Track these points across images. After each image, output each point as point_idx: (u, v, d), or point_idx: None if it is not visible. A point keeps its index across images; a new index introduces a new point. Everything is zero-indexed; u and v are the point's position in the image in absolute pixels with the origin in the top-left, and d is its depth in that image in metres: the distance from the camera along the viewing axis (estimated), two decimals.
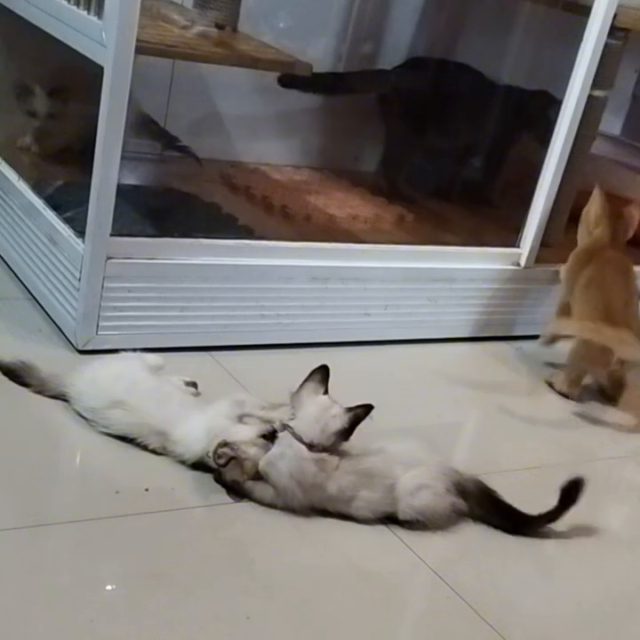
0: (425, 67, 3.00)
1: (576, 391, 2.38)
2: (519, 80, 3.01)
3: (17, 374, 1.87)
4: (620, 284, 2.37)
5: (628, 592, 1.74)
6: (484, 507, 1.75)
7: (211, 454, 1.68)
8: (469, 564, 1.69)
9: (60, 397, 1.84)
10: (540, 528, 1.76)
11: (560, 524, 1.76)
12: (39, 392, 1.85)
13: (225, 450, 1.65)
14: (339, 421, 1.68)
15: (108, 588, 1.45)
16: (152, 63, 2.37)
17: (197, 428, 1.73)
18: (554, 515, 1.75)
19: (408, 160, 3.03)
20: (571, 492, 1.72)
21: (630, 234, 2.48)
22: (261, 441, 1.70)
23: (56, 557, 1.50)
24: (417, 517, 1.69)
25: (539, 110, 2.79)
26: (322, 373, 1.73)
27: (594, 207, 2.46)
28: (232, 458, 1.65)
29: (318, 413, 1.69)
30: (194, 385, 1.95)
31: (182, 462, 1.74)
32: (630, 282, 2.40)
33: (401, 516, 1.70)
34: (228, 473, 1.68)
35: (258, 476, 1.69)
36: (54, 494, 1.65)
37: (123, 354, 1.93)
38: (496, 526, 1.75)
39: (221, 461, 1.65)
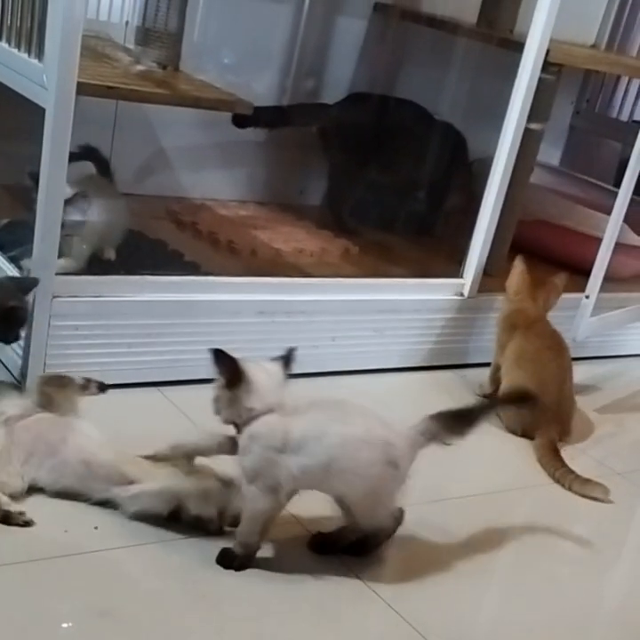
0: (366, 101, 3.04)
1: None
2: (457, 115, 3.08)
3: None
4: (554, 362, 2.41)
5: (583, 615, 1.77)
6: None
7: None
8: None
9: None
10: None
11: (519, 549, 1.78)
12: None
13: None
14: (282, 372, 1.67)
15: (63, 625, 1.45)
16: (95, 102, 2.38)
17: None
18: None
19: (352, 193, 3.07)
20: None
21: (553, 303, 2.51)
22: None
23: (6, 598, 1.49)
24: None
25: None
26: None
27: (514, 278, 2.51)
28: None
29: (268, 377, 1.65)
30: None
31: None
32: (564, 359, 2.44)
33: None
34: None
35: None
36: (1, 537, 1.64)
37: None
38: None
39: None
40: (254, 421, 1.62)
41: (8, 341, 1.97)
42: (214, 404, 1.65)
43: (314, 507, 1.71)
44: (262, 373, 1.65)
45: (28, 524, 1.63)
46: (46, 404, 1.79)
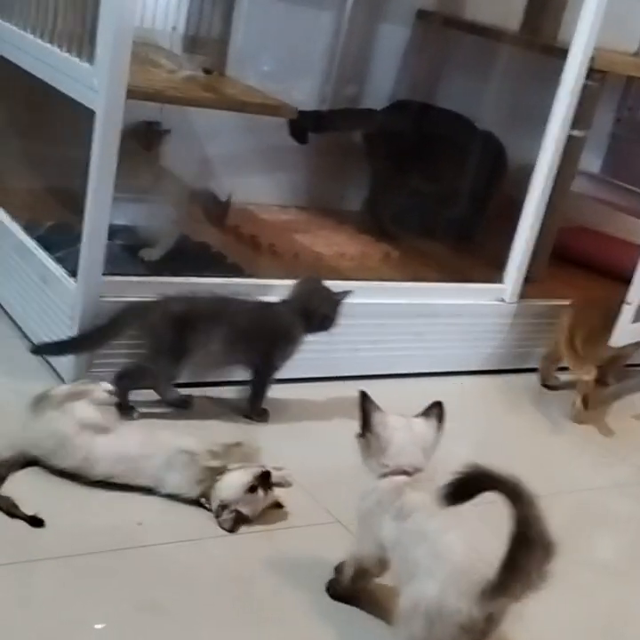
0: (411, 109, 3.07)
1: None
2: (498, 122, 3.09)
3: None
4: None
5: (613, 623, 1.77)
6: None
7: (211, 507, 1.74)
8: None
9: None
10: None
11: None
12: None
13: (226, 517, 1.71)
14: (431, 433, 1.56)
15: (98, 626, 1.46)
16: (140, 106, 2.42)
17: (183, 483, 1.76)
18: None
19: (394, 198, 3.08)
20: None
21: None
22: (249, 495, 1.72)
23: (45, 593, 1.51)
24: None
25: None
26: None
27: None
28: (233, 522, 1.71)
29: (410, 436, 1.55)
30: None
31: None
32: None
33: None
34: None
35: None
36: (44, 530, 1.65)
37: (73, 406, 1.83)
38: None
39: (226, 526, 1.71)
40: (383, 479, 1.53)
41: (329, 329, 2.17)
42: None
43: None
44: (402, 431, 1.54)
45: None
46: None
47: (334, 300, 2.16)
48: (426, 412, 1.58)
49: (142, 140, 2.43)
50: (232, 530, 1.71)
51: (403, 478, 1.51)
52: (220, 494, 1.72)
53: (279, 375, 2.18)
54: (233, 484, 1.72)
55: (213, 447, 1.80)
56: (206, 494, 1.75)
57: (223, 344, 2.07)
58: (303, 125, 2.85)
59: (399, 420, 1.55)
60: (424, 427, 1.56)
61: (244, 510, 1.71)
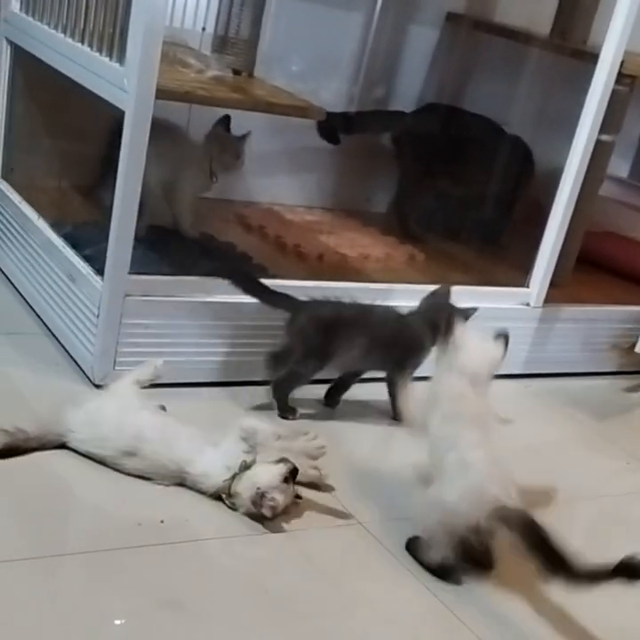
0: (441, 112, 3.07)
1: None
2: (526, 125, 3.08)
3: (13, 448, 1.78)
4: None
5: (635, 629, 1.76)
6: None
7: (237, 497, 1.75)
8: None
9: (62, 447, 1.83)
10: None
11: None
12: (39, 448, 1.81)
13: (267, 501, 1.72)
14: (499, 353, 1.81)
15: (118, 622, 1.47)
16: (169, 106, 2.43)
17: (215, 465, 1.78)
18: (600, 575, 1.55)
19: (421, 200, 3.09)
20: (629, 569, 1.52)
21: None
22: (284, 484, 1.75)
23: (70, 588, 1.53)
24: None
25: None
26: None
27: None
28: (272, 511, 1.73)
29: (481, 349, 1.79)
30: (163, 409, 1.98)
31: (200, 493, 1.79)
32: None
33: None
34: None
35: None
36: (68, 526, 1.68)
37: (115, 385, 1.93)
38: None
39: (268, 513, 1.72)
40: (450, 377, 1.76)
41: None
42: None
43: None
44: (477, 343, 1.79)
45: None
46: None
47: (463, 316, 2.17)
48: (496, 337, 1.81)
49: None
50: (273, 516, 1.73)
51: (465, 383, 1.74)
52: (258, 481, 1.74)
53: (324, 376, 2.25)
54: (271, 471, 1.76)
55: (281, 431, 1.87)
56: (227, 488, 1.76)
57: (363, 350, 2.19)
58: (333, 126, 2.86)
59: (476, 335, 1.80)
60: (493, 346, 1.80)
61: (279, 498, 1.73)
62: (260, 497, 1.72)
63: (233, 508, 1.76)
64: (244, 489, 1.74)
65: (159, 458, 1.79)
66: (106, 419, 1.83)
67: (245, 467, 1.76)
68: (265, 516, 1.72)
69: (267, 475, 1.75)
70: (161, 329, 2.14)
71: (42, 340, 2.28)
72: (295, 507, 1.81)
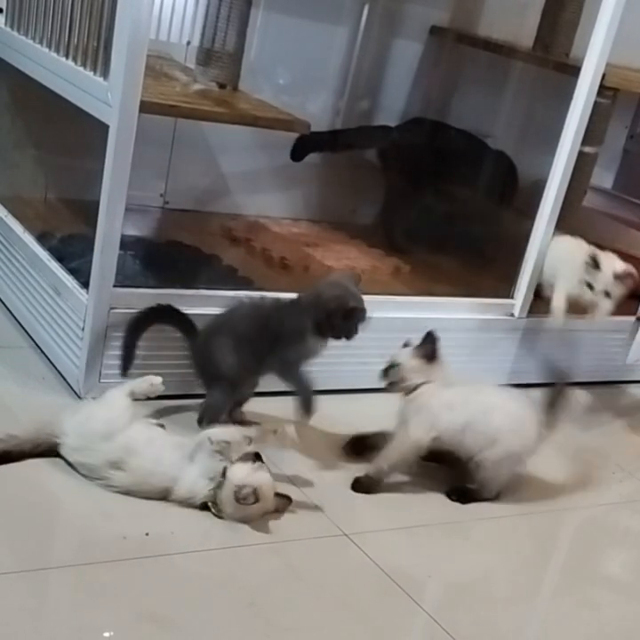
0: (426, 126, 3.10)
1: None
2: (510, 138, 3.10)
3: (6, 453, 1.81)
4: None
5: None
6: None
7: (222, 504, 1.77)
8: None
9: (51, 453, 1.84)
10: None
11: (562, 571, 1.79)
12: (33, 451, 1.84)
13: (246, 491, 1.76)
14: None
15: (105, 634, 1.47)
16: (154, 120, 2.44)
17: (197, 482, 1.80)
18: None
19: (407, 213, 3.10)
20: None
21: None
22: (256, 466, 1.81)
23: (56, 601, 1.53)
24: None
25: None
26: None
27: None
28: (255, 497, 1.77)
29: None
30: (162, 427, 1.98)
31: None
32: None
33: None
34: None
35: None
36: (54, 539, 1.68)
37: (109, 395, 1.93)
38: None
39: (250, 501, 1.76)
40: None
41: (348, 338, 2.13)
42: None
43: None
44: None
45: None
46: None
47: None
48: (425, 337, 2.14)
49: None
50: (256, 502, 1.76)
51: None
52: (234, 479, 1.77)
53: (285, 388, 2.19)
54: (241, 466, 1.80)
55: (250, 432, 1.89)
56: (214, 497, 1.78)
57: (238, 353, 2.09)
58: (300, 144, 2.88)
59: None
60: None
61: (256, 484, 1.77)
62: (239, 490, 1.75)
63: (219, 515, 1.77)
64: (226, 495, 1.77)
65: (144, 474, 1.79)
66: (96, 427, 1.83)
67: (225, 472, 1.78)
68: (253, 510, 1.76)
69: (238, 472, 1.78)
70: (146, 341, 2.14)
71: (27, 354, 2.28)
72: (283, 514, 1.82)
